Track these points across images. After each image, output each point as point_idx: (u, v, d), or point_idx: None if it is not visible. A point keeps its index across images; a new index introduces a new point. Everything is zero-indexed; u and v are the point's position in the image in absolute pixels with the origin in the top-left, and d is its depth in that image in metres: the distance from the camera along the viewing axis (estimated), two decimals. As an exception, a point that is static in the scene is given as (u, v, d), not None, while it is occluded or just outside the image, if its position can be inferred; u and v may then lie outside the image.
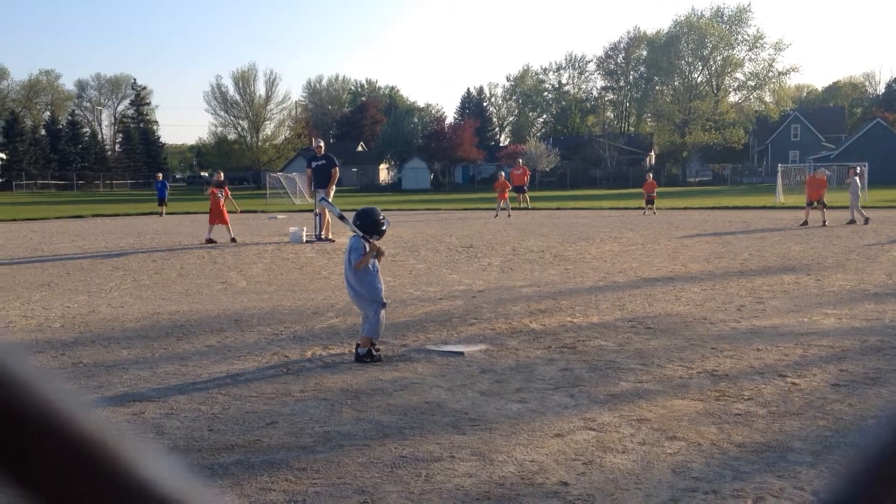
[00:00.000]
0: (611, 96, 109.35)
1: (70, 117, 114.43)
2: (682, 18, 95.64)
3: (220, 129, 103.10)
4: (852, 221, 24.17)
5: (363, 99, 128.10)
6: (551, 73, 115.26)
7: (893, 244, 18.18)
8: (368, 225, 7.73)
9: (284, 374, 7.26)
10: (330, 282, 13.41)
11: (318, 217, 20.46)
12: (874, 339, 8.26)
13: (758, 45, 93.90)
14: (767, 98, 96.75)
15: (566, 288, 12.50)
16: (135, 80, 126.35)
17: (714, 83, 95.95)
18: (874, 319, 9.37)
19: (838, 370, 7.01)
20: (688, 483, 4.53)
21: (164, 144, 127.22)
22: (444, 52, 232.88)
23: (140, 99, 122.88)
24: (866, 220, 23.95)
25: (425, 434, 5.48)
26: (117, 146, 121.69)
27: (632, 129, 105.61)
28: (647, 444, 5.19)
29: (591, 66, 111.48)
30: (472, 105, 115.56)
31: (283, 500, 4.42)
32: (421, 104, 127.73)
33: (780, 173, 43.91)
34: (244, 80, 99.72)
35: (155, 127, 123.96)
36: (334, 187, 19.65)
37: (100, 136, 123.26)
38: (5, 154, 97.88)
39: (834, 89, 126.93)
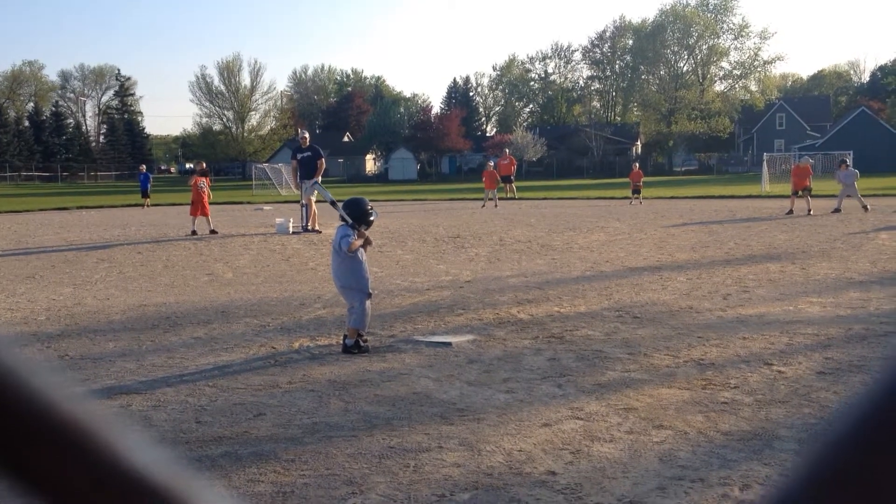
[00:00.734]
0: (597, 86, 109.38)
1: (54, 108, 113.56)
2: (668, 7, 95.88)
3: (205, 119, 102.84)
4: (837, 210, 24.26)
5: (349, 89, 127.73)
6: (537, 62, 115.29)
7: (878, 232, 18.27)
8: (356, 215, 7.76)
9: (272, 365, 7.25)
10: (317, 273, 13.40)
11: (304, 208, 20.40)
12: (859, 327, 8.31)
13: (743, 33, 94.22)
14: (753, 87, 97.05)
15: (553, 278, 12.52)
16: (119, 70, 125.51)
17: (700, 72, 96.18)
18: (859, 308, 9.43)
19: (823, 358, 7.06)
20: (675, 471, 4.55)
21: (149, 136, 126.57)
22: (430, 41, 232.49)
23: (124, 90, 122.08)
24: (865, 208, 23.87)
25: (413, 424, 5.49)
26: (102, 137, 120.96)
27: (618, 118, 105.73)
28: (634, 433, 5.21)
29: (577, 56, 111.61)
30: (459, 95, 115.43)
31: (272, 491, 4.42)
32: (407, 94, 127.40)
33: (765, 162, 44.09)
34: (229, 71, 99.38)
35: (139, 118, 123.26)
36: (321, 178, 19.64)
37: (84, 127, 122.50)
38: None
39: (819, 78, 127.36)
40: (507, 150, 42.60)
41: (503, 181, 36.07)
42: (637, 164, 35.71)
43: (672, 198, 36.39)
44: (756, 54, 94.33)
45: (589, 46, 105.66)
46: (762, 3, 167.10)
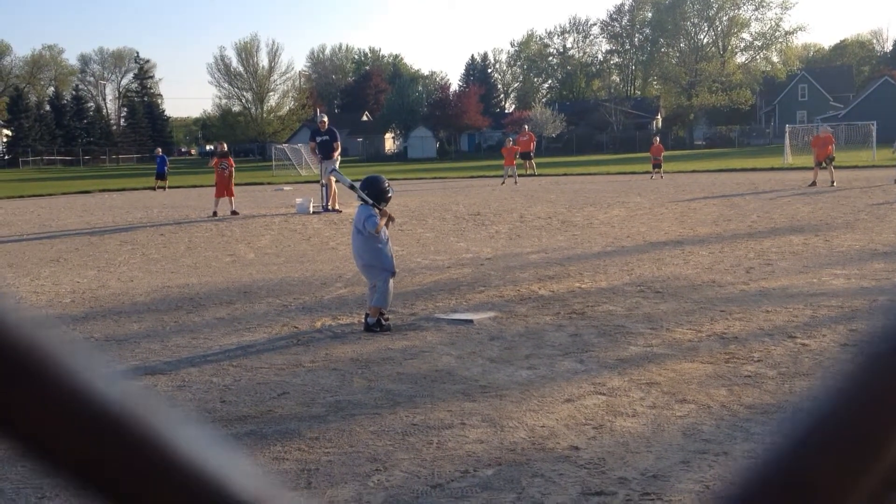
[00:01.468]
0: (616, 60, 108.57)
1: (74, 92, 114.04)
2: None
3: (224, 101, 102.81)
4: None
5: (367, 68, 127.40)
6: (556, 37, 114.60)
7: (902, 203, 18.08)
8: (374, 193, 7.80)
9: (294, 344, 7.29)
10: (338, 252, 13.43)
11: (324, 188, 20.45)
12: (883, 298, 8.24)
13: (764, 4, 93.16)
14: (774, 58, 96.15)
15: (574, 254, 12.49)
16: (138, 53, 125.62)
17: (720, 44, 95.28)
18: (883, 279, 9.35)
19: (848, 330, 7.01)
20: (698, 445, 4.54)
21: (169, 118, 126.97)
22: (447, 19, 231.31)
23: (143, 72, 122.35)
24: None
25: (436, 402, 5.50)
26: (122, 121, 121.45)
27: (638, 92, 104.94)
28: (657, 408, 5.20)
29: (596, 30, 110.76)
30: (477, 72, 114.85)
31: (296, 468, 4.45)
32: (425, 72, 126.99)
33: (787, 134, 43.62)
34: (247, 52, 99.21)
35: (159, 100, 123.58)
36: (339, 157, 19.79)
37: (104, 110, 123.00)
38: (10, 130, 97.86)
39: (841, 48, 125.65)
40: (527, 127, 42.48)
41: (522, 158, 35.94)
42: (657, 138, 35.40)
43: (693, 171, 36.14)
44: (777, 25, 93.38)
45: (607, 20, 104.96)
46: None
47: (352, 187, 8.06)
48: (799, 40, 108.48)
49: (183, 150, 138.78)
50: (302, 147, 49.35)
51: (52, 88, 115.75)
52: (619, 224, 16.25)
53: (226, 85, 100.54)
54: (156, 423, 0.40)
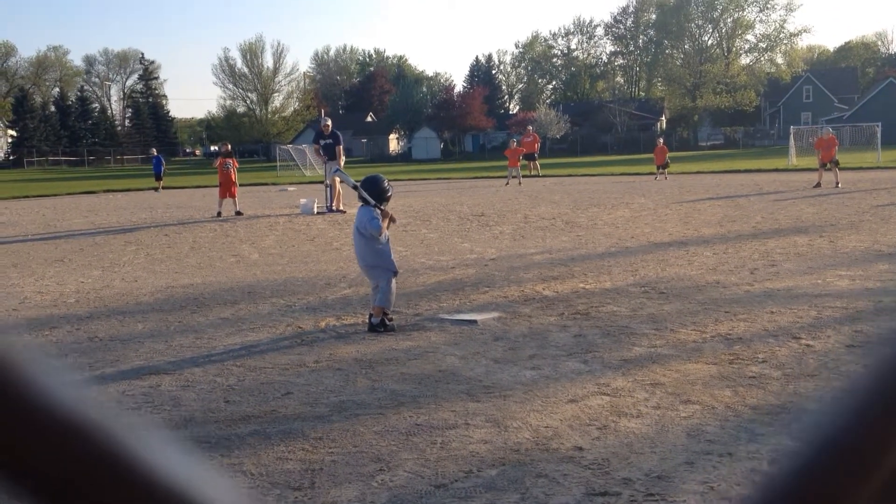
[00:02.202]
0: (620, 61, 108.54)
1: (79, 93, 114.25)
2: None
3: (228, 102, 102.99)
4: None
5: (371, 69, 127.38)
6: (560, 38, 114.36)
7: (907, 204, 18.05)
8: (374, 193, 7.83)
9: (298, 344, 7.29)
10: (342, 253, 13.43)
11: (328, 188, 20.48)
12: (888, 299, 8.22)
13: (768, 6, 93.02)
14: (779, 60, 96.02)
15: (578, 254, 12.48)
16: (143, 54, 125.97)
17: (725, 45, 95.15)
18: (888, 280, 9.33)
19: (853, 331, 6.99)
20: (703, 446, 4.54)
21: (174, 119, 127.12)
22: (452, 20, 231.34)
23: (148, 73, 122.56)
24: None
25: (440, 402, 5.50)
26: (127, 121, 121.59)
27: (642, 93, 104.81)
28: (661, 409, 5.20)
29: (600, 31, 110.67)
30: (481, 73, 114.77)
31: (300, 468, 4.45)
32: (430, 73, 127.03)
33: (792, 135, 43.53)
34: (252, 53, 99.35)
35: (164, 101, 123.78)
36: (344, 159, 19.86)
37: (109, 111, 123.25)
38: (15, 131, 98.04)
39: (846, 50, 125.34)
40: (531, 128, 42.40)
41: (527, 159, 35.92)
42: (661, 140, 35.23)
43: (698, 172, 36.10)
44: (782, 26, 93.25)
45: (612, 21, 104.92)
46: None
47: (355, 187, 8.08)
48: (803, 42, 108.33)
49: (187, 150, 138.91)
50: (306, 148, 49.38)
51: (57, 89, 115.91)
52: (624, 225, 16.24)
53: (230, 86, 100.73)
54: (115, 434, 0.39)
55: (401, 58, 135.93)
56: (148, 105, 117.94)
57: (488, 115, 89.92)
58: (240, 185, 21.93)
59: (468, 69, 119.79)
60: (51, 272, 12.51)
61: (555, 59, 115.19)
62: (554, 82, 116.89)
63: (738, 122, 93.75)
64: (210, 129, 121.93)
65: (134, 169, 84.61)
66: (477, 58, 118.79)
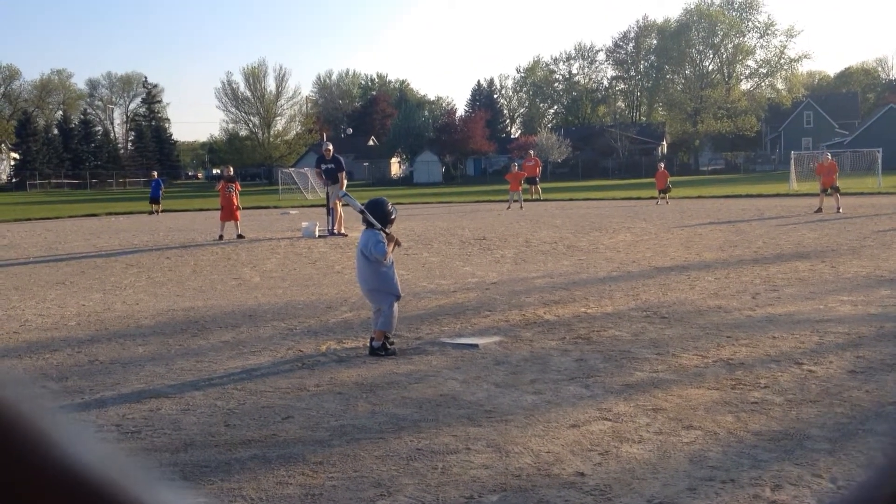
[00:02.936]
0: (621, 86, 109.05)
1: (82, 116, 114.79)
2: (692, 6, 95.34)
3: (231, 125, 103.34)
4: None
5: (373, 93, 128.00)
6: (561, 63, 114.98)
7: (909, 230, 18.06)
8: (378, 216, 7.82)
9: (299, 368, 7.27)
10: (343, 276, 13.43)
11: (331, 212, 20.52)
12: (890, 325, 8.21)
13: (769, 31, 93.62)
14: (779, 85, 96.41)
15: (580, 278, 12.48)
16: (146, 78, 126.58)
17: (725, 71, 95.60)
18: (890, 305, 9.32)
19: (855, 357, 6.97)
20: (705, 472, 4.51)
21: (177, 142, 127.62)
22: (454, 44, 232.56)
23: (151, 97, 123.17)
24: None
25: (441, 426, 5.48)
26: (130, 144, 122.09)
27: (643, 118, 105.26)
28: (663, 434, 5.18)
29: (601, 56, 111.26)
30: (483, 97, 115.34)
31: (300, 493, 4.43)
32: (431, 97, 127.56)
33: (793, 160, 43.63)
34: (254, 77, 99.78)
35: (167, 124, 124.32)
36: (346, 182, 19.95)
37: (112, 134, 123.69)
38: (18, 154, 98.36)
39: (846, 75, 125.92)
40: (532, 152, 42.52)
41: (528, 182, 35.99)
42: (663, 164, 35.22)
43: (699, 197, 36.14)
44: (782, 52, 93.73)
45: (613, 47, 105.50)
46: (788, 1, 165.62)
47: (362, 212, 8.09)
48: (804, 67, 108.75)
49: (190, 173, 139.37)
50: (308, 171, 49.51)
51: (60, 112, 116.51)
52: (625, 249, 16.24)
53: (233, 109, 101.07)
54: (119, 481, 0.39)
55: (403, 82, 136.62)
56: (151, 128, 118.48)
57: (490, 138, 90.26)
58: (242, 209, 21.92)
59: (470, 93, 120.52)
60: (52, 295, 12.51)
61: (556, 84, 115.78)
62: (555, 107, 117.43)
63: (739, 147, 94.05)
64: (212, 152, 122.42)
65: (136, 192, 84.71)
66: (479, 82, 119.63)
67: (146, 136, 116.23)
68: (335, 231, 20.05)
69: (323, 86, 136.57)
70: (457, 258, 15.65)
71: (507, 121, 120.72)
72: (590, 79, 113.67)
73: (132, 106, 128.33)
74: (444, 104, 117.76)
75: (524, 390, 6.29)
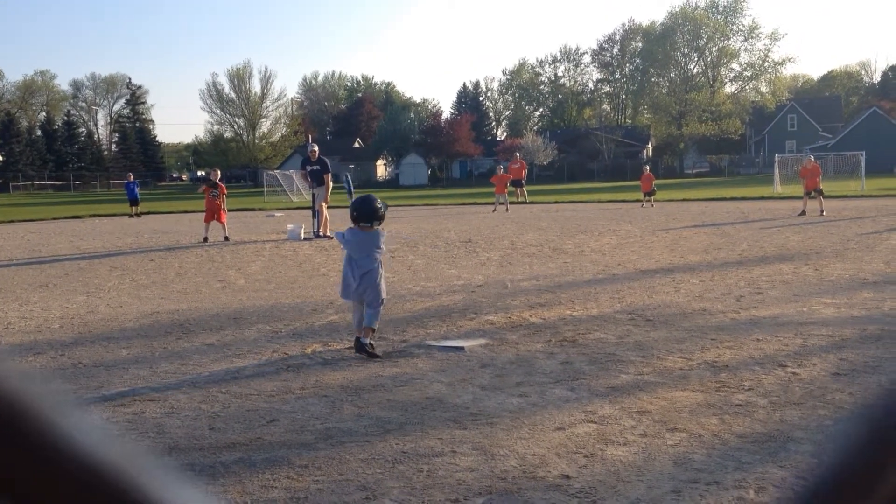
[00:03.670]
0: (607, 89, 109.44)
1: (66, 117, 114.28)
2: (677, 10, 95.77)
3: (216, 127, 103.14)
4: None
5: (359, 95, 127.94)
6: (547, 65, 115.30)
7: (892, 233, 18.19)
8: (369, 212, 7.80)
9: (284, 371, 7.25)
10: (329, 279, 13.40)
11: (316, 214, 20.48)
12: (873, 327, 8.26)
13: (753, 35, 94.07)
14: (763, 88, 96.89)
15: (565, 281, 12.50)
16: (130, 79, 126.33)
17: (710, 74, 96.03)
18: (873, 308, 9.37)
19: (838, 359, 7.01)
20: (689, 474, 4.53)
21: (161, 143, 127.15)
22: (439, 47, 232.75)
23: (135, 98, 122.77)
24: None
25: (426, 429, 5.48)
26: (114, 146, 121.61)
27: (628, 121, 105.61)
28: (648, 436, 5.19)
29: (587, 59, 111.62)
30: (469, 100, 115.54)
31: (285, 497, 4.41)
32: (417, 99, 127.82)
33: (777, 163, 43.89)
34: (239, 78, 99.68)
35: (151, 126, 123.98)
36: (332, 184, 19.96)
37: (96, 136, 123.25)
38: (1, 155, 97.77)
39: (829, 78, 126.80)
40: (518, 154, 42.59)
41: (514, 185, 36.03)
42: (647, 168, 35.29)
43: (684, 200, 36.27)
44: (766, 55, 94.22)
45: (598, 49, 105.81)
46: (772, 4, 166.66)
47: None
48: (788, 71, 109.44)
49: (174, 175, 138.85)
50: (294, 173, 49.43)
51: (43, 114, 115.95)
52: (610, 252, 16.28)
53: (218, 111, 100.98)
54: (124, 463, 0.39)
55: (388, 84, 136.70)
56: (135, 130, 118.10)
57: (476, 141, 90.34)
58: (227, 211, 21.85)
59: (456, 96, 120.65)
60: (35, 297, 12.43)
61: (542, 87, 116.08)
62: (541, 109, 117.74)
63: (723, 150, 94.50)
64: (197, 153, 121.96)
65: (120, 194, 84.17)
66: (464, 84, 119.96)
67: (130, 137, 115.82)
68: (321, 234, 20.01)
69: (308, 87, 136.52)
70: (442, 261, 15.64)
71: (493, 123, 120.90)
72: (575, 81, 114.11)
73: (116, 107, 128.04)
74: (429, 106, 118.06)
75: (510, 393, 6.29)
